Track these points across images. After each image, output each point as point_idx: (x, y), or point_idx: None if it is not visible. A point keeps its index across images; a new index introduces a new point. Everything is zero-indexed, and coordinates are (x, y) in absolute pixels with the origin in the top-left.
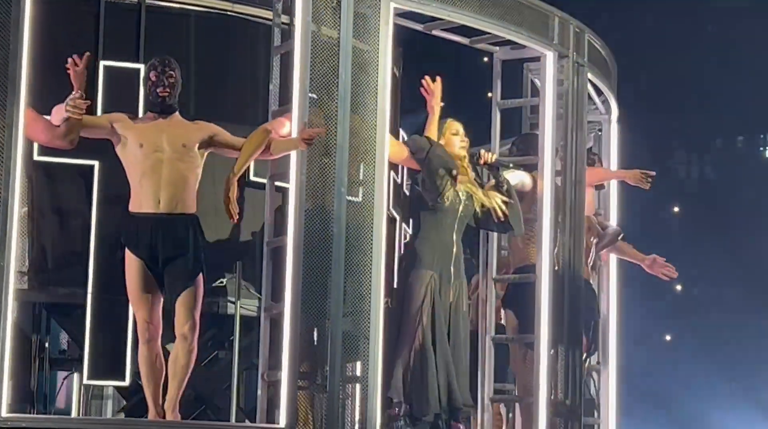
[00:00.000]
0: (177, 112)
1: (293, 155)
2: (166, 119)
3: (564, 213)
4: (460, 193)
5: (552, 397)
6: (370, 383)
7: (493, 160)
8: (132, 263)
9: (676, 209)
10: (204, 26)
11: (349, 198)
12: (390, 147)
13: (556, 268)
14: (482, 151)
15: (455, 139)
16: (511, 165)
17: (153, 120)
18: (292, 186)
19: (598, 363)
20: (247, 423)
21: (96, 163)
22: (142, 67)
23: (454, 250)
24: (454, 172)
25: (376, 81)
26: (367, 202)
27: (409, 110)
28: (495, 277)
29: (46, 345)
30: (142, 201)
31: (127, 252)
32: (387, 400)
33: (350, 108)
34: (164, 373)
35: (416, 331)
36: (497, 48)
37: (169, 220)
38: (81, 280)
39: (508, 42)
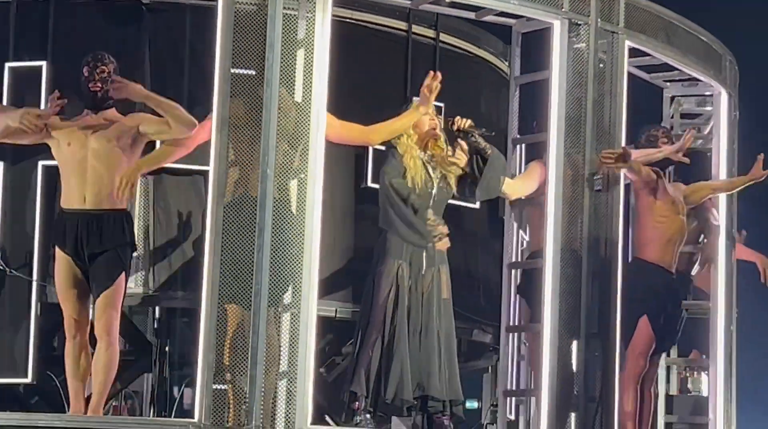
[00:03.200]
0: (113, 108)
1: (213, 140)
2: (98, 115)
3: (583, 192)
4: (434, 176)
5: (566, 391)
6: (299, 379)
7: (466, 126)
8: (59, 259)
9: None
10: None
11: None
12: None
13: (576, 251)
14: (457, 118)
15: (424, 117)
16: (483, 129)
17: (85, 116)
18: (211, 173)
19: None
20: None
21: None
22: None
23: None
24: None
25: (312, 57)
26: (300, 190)
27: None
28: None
29: (167, 349)
30: (70, 197)
31: (57, 248)
32: (350, 394)
33: (280, 87)
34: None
35: (382, 323)
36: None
37: (94, 216)
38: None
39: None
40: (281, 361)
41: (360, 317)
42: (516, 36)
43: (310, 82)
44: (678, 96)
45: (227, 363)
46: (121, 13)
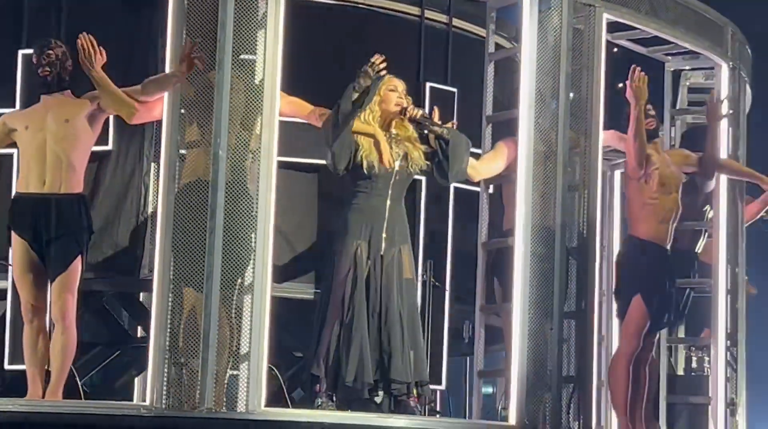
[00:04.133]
0: (68, 90)
1: (165, 123)
2: (53, 97)
3: (556, 169)
4: (394, 155)
5: (538, 371)
6: (252, 362)
7: (419, 115)
8: (16, 244)
9: None
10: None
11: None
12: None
13: (549, 229)
14: (409, 107)
15: (392, 95)
16: (435, 120)
17: (41, 102)
18: (162, 155)
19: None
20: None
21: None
22: None
23: (387, 215)
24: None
25: (265, 35)
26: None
27: None
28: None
29: None
30: (29, 181)
31: (13, 232)
32: (311, 377)
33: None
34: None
35: (341, 304)
36: (670, 58)
37: (51, 201)
38: None
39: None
40: (238, 345)
41: (320, 298)
42: (489, 12)
43: (269, 63)
44: (684, 70)
45: (180, 346)
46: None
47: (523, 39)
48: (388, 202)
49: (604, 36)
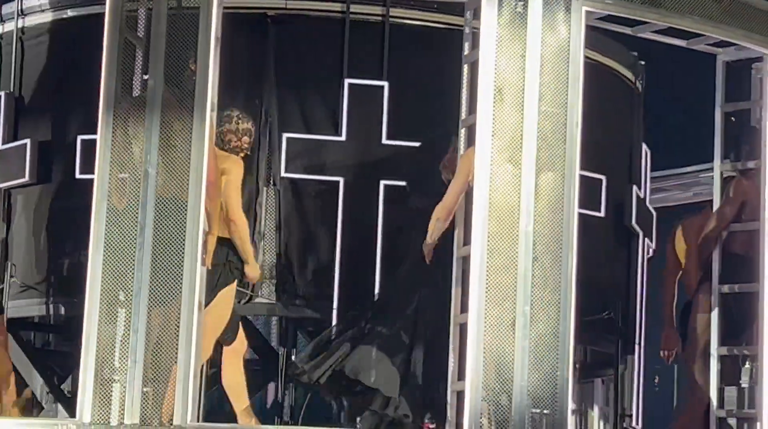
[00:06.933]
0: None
1: (99, 141)
2: None
3: (519, 173)
4: None
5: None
6: (180, 377)
7: None
8: None
9: None
10: (445, 43)
11: None
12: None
13: (513, 238)
14: None
15: None
16: None
17: None
18: (96, 174)
19: None
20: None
21: (341, 180)
22: (386, 84)
23: None
24: None
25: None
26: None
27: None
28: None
29: (293, 358)
30: None
31: None
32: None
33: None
34: None
35: None
36: (720, 50)
37: None
38: (327, 295)
39: (732, 43)
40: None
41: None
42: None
43: (200, 79)
44: (741, 60)
45: (116, 363)
46: (247, 25)
47: (482, 35)
48: None
49: (583, 31)
